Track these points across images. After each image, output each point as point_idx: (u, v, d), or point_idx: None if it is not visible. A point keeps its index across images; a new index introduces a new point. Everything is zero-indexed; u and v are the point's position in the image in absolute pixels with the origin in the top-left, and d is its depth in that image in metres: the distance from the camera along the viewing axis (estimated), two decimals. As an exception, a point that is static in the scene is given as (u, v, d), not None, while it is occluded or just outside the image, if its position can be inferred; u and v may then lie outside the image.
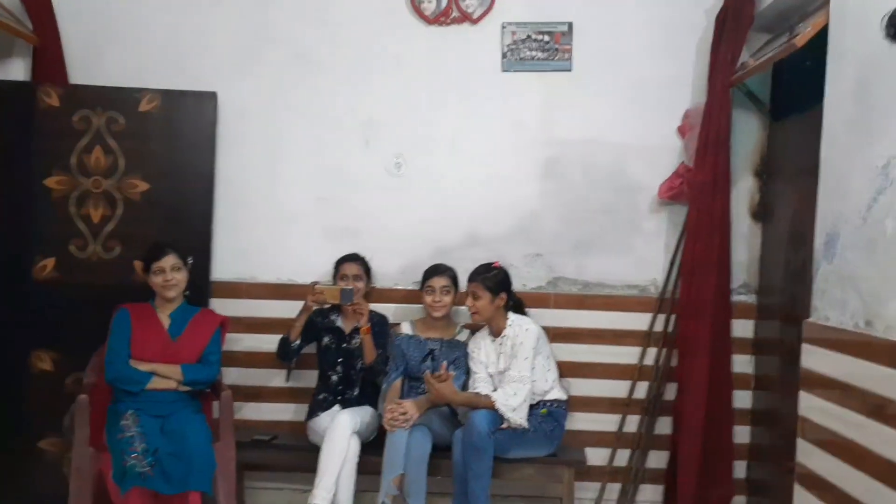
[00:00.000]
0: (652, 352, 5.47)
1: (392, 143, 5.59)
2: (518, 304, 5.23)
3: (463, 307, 5.16)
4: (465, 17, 5.50)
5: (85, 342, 5.00)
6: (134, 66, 5.56)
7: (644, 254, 5.52)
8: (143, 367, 4.71)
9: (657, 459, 5.49)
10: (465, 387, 5.09)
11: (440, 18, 5.51)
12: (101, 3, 5.60)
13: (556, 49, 5.50)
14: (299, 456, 5.10)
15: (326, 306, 5.27)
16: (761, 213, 5.41)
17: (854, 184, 3.56)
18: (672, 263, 5.45)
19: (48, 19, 5.42)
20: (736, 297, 5.33)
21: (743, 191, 5.42)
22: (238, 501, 4.98)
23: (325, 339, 5.31)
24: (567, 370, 5.33)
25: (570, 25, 5.48)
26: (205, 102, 5.46)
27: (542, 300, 5.51)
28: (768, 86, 5.37)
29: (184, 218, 5.44)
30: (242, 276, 5.62)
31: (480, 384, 5.01)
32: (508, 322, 5.05)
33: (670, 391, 5.44)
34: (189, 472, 4.39)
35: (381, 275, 5.54)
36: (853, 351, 3.43)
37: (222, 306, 5.36)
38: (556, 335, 5.30)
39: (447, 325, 5.32)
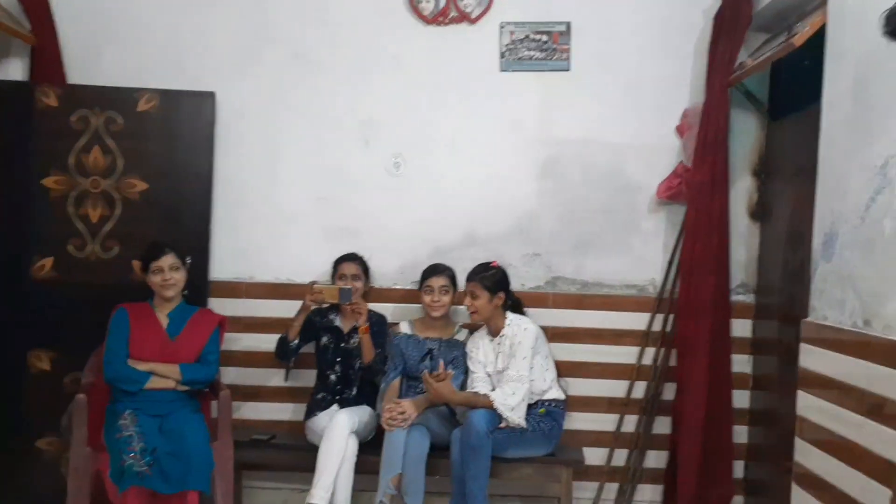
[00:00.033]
0: (650, 351, 5.48)
1: (390, 143, 5.59)
2: (516, 304, 5.24)
3: (462, 307, 5.16)
4: (464, 17, 5.50)
5: (83, 342, 4.99)
6: (132, 66, 5.55)
7: (642, 253, 5.52)
8: (142, 366, 4.71)
9: (655, 459, 5.50)
10: (463, 386, 5.09)
11: (438, 18, 5.51)
12: (99, 3, 5.60)
13: (555, 49, 5.50)
14: (297, 455, 5.10)
15: (325, 306, 5.27)
16: (759, 212, 5.41)
17: (852, 183, 3.56)
18: (670, 263, 5.46)
19: (46, 19, 5.43)
20: (734, 297, 5.33)
21: (741, 190, 5.42)
22: (236, 501, 4.98)
23: (324, 339, 5.31)
24: (565, 370, 5.33)
25: (569, 25, 5.48)
26: (203, 102, 5.46)
27: (541, 300, 5.51)
28: (766, 85, 5.37)
29: (182, 218, 5.44)
30: (241, 276, 5.62)
31: (479, 384, 5.02)
32: (507, 322, 5.05)
33: (668, 391, 5.44)
34: (187, 471, 4.38)
35: (379, 274, 5.54)
36: (851, 350, 3.43)
37: (221, 306, 5.36)
38: (554, 335, 5.30)
39: (446, 324, 5.32)
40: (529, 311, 5.29)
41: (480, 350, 5.10)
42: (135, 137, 5.40)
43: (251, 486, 5.52)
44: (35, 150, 5.35)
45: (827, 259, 3.77)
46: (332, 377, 5.27)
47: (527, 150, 5.55)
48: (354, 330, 5.22)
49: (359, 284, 5.25)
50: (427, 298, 5.20)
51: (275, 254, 5.62)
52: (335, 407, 5.17)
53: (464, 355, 5.19)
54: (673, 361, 5.39)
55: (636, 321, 5.50)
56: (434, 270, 5.25)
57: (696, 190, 5.14)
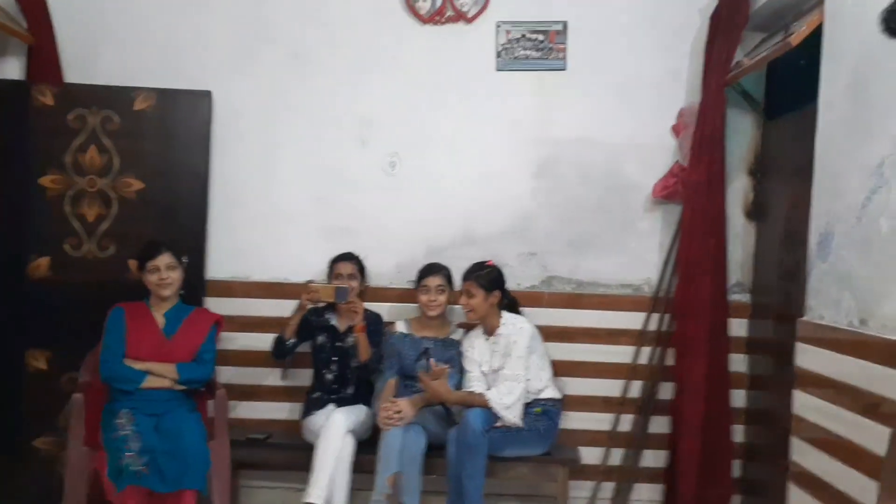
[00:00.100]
0: (646, 351, 5.49)
1: (387, 143, 5.59)
2: (512, 303, 5.24)
3: (458, 306, 5.16)
4: (460, 17, 5.50)
5: (80, 341, 4.98)
6: (129, 66, 5.55)
7: (638, 253, 5.53)
8: (138, 365, 4.71)
9: (651, 458, 5.51)
10: (459, 386, 5.08)
11: (435, 18, 5.52)
12: (97, 2, 5.59)
13: (551, 48, 5.50)
14: (294, 454, 5.09)
15: (321, 305, 5.27)
16: (755, 212, 5.42)
17: (849, 183, 3.57)
18: (666, 263, 5.46)
19: (43, 18, 5.42)
20: (730, 297, 5.32)
21: (737, 190, 5.43)
22: (232, 500, 4.99)
23: (320, 338, 5.30)
24: (561, 369, 5.34)
25: (565, 24, 5.49)
26: (200, 102, 5.46)
27: (537, 299, 5.51)
28: (763, 85, 5.39)
29: (179, 217, 5.44)
30: (237, 275, 5.61)
31: (474, 383, 5.02)
32: (502, 321, 5.06)
33: (664, 390, 5.45)
34: (184, 470, 4.39)
35: (375, 274, 5.54)
36: (847, 350, 3.44)
37: (217, 305, 5.35)
38: (550, 334, 5.30)
39: (442, 324, 5.33)
40: (525, 310, 5.29)
41: (476, 349, 5.11)
42: (131, 136, 5.40)
43: (248, 486, 5.53)
44: (32, 149, 5.35)
45: (823, 258, 3.77)
46: (329, 376, 5.27)
47: (523, 150, 5.56)
48: (351, 329, 5.21)
49: (355, 284, 5.25)
50: (423, 298, 5.21)
51: (271, 253, 5.61)
52: (332, 406, 5.16)
53: (460, 355, 5.19)
54: (669, 361, 5.41)
55: (632, 320, 5.51)
56: (430, 270, 5.26)
57: (693, 189, 5.14)
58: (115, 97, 5.38)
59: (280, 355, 5.28)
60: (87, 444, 4.62)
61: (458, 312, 5.26)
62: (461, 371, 5.14)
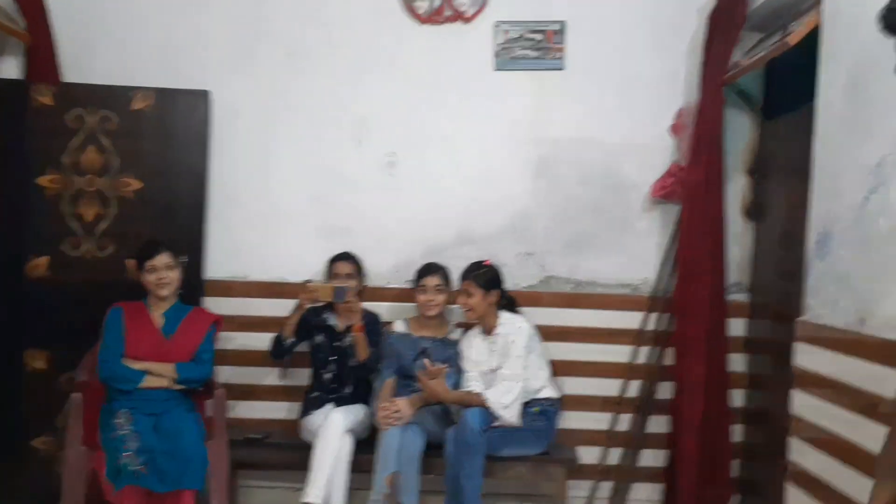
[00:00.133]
0: (644, 350, 5.49)
1: (385, 142, 5.58)
2: (510, 303, 5.25)
3: (456, 306, 5.17)
4: (458, 16, 5.51)
5: (78, 341, 4.98)
6: (127, 65, 5.54)
7: (636, 252, 5.53)
8: (137, 365, 4.71)
9: (649, 458, 5.52)
10: (457, 385, 5.08)
11: (433, 17, 5.52)
12: (95, 2, 5.58)
13: (549, 48, 5.51)
14: (292, 454, 5.08)
15: (319, 304, 5.27)
16: (754, 211, 5.42)
17: (847, 182, 3.57)
18: (664, 262, 5.47)
19: (41, 18, 5.40)
20: (729, 296, 5.32)
21: (735, 190, 5.43)
22: (231, 500, 4.98)
23: (318, 338, 5.30)
24: (559, 369, 5.34)
25: (563, 24, 5.49)
26: (198, 101, 5.46)
27: (535, 299, 5.51)
28: (761, 84, 5.39)
29: (177, 216, 5.43)
30: (235, 275, 5.61)
31: (473, 382, 5.02)
32: (500, 320, 5.06)
33: (662, 390, 5.45)
34: (182, 470, 4.39)
35: (373, 274, 5.54)
36: (846, 349, 3.44)
37: (215, 305, 5.35)
38: (548, 334, 5.31)
39: (440, 323, 5.33)
40: (523, 310, 5.29)
41: (474, 349, 5.11)
42: (130, 136, 5.39)
43: (246, 485, 5.52)
44: (30, 148, 5.34)
45: (821, 258, 3.78)
46: (327, 376, 5.27)
47: (521, 149, 5.56)
48: (349, 329, 5.22)
49: (353, 283, 5.25)
50: (422, 298, 5.21)
51: (270, 253, 5.61)
52: (330, 406, 5.16)
53: (458, 354, 5.19)
54: (667, 360, 5.41)
55: (630, 320, 5.51)
56: (428, 270, 5.26)
57: (692, 189, 5.14)
58: (113, 97, 5.38)
59: (278, 355, 5.28)
60: (85, 443, 4.61)
61: (457, 312, 5.27)
62: (459, 370, 5.14)
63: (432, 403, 4.98)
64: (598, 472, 5.51)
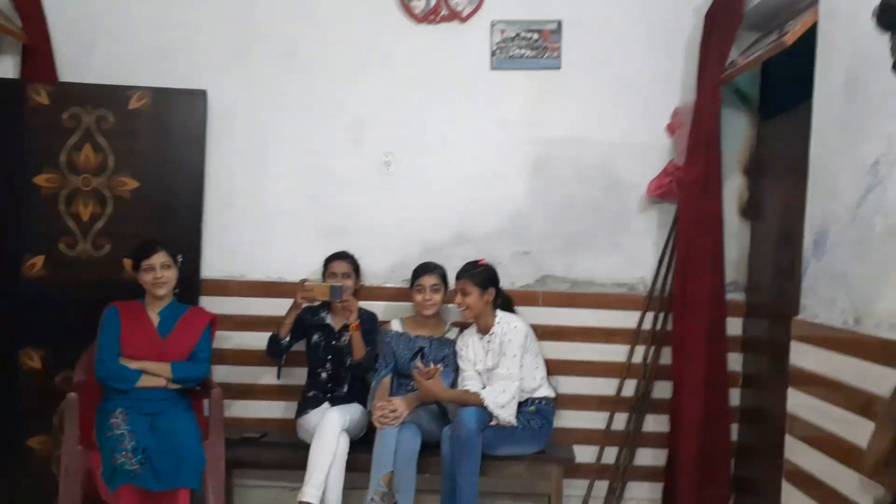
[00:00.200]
0: (640, 349, 5.49)
1: (381, 142, 5.58)
2: (506, 302, 5.25)
3: (453, 305, 5.17)
4: (455, 16, 5.50)
5: (74, 340, 4.99)
6: (124, 64, 5.54)
7: (633, 252, 5.53)
8: (133, 364, 4.71)
9: (645, 457, 5.52)
10: (454, 384, 5.09)
11: (429, 17, 5.51)
12: (91, 1, 5.58)
13: (545, 47, 5.50)
14: (289, 453, 5.09)
15: (316, 303, 5.27)
16: (750, 211, 5.42)
17: (843, 182, 3.57)
18: (661, 261, 5.47)
19: (38, 17, 5.39)
20: (725, 296, 5.32)
21: (732, 189, 5.43)
22: (227, 499, 4.98)
23: (315, 337, 5.31)
24: (555, 368, 5.34)
25: (560, 23, 5.49)
26: (194, 100, 5.46)
27: (531, 298, 5.51)
28: (757, 84, 5.38)
29: (173, 216, 5.44)
30: (232, 274, 5.61)
31: (469, 382, 5.02)
32: (497, 319, 5.06)
33: (658, 389, 5.45)
34: (178, 469, 4.39)
35: (370, 273, 5.54)
36: (842, 348, 3.44)
37: (212, 304, 5.36)
38: (544, 333, 5.31)
39: (437, 323, 5.33)
40: (519, 309, 5.29)
41: (470, 348, 5.11)
42: (126, 135, 5.39)
43: (242, 485, 5.51)
44: (26, 148, 5.33)
45: (818, 257, 3.78)
46: (323, 375, 5.27)
47: (517, 149, 5.56)
48: (345, 328, 5.22)
49: (349, 282, 5.25)
50: (418, 297, 5.20)
51: (266, 252, 5.61)
52: (326, 405, 5.17)
53: (454, 353, 5.19)
54: (663, 359, 5.41)
55: (626, 319, 5.51)
56: (425, 269, 5.25)
57: (689, 189, 5.14)
58: (109, 96, 5.38)
59: (275, 354, 5.28)
60: (81, 443, 4.60)
61: (453, 311, 5.27)
62: (456, 370, 5.14)
63: (429, 403, 4.98)
64: (595, 472, 5.50)
